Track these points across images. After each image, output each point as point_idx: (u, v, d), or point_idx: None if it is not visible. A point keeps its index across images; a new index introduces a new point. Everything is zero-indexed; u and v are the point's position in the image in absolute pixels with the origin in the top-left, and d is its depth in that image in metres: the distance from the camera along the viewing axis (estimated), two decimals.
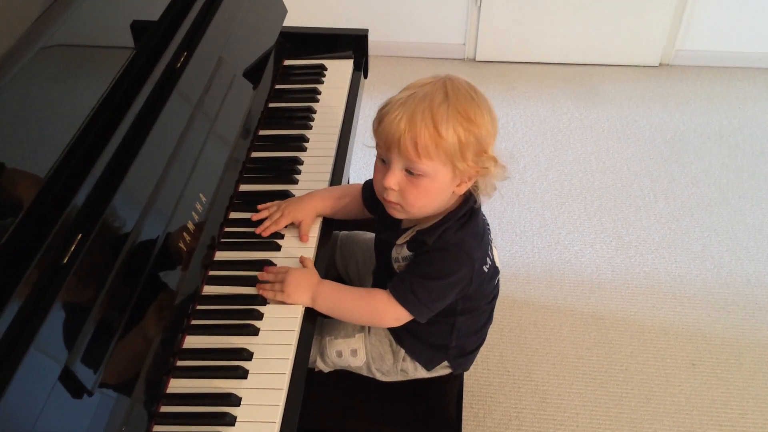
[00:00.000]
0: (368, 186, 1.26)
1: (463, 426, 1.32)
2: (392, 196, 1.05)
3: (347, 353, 1.25)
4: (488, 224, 1.18)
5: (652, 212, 2.32)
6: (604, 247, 2.19)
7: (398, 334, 1.24)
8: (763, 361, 1.86)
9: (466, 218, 1.10)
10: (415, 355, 1.24)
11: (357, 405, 1.28)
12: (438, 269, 1.09)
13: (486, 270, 1.15)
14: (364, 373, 1.28)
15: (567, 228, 2.26)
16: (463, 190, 1.07)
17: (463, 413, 1.33)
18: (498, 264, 1.23)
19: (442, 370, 1.28)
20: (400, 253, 1.15)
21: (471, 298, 1.18)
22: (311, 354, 1.17)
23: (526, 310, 1.99)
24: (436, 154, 0.98)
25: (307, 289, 1.12)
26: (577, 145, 2.62)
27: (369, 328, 1.26)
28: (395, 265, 1.17)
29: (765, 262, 2.14)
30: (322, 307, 1.14)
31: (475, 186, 1.09)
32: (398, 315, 1.12)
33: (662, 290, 2.05)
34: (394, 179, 1.02)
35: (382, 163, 1.05)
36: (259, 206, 1.26)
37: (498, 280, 1.25)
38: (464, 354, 1.28)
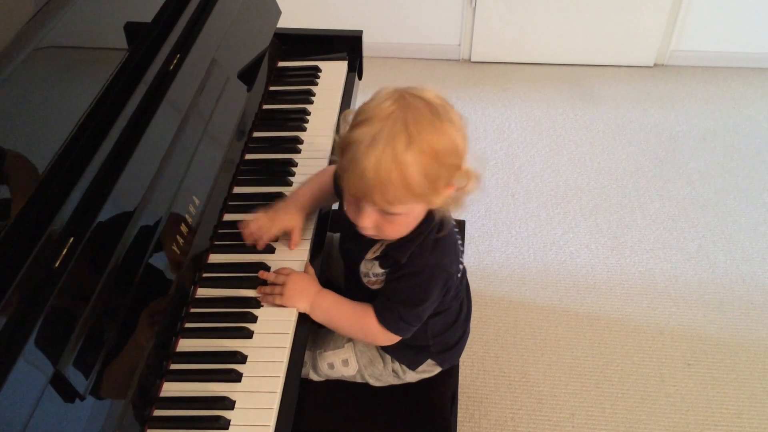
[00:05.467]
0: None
1: (458, 427, 1.32)
2: (369, 232, 1.02)
3: (339, 364, 1.25)
4: (456, 227, 1.14)
5: (647, 212, 2.32)
6: (599, 247, 2.19)
7: None
8: (759, 361, 1.86)
9: (436, 232, 1.07)
10: (398, 357, 1.25)
11: (352, 408, 1.28)
12: (422, 293, 1.09)
13: (459, 276, 1.17)
14: (359, 380, 1.28)
15: (562, 228, 2.26)
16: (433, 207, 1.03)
17: (459, 415, 1.33)
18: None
19: (431, 368, 1.28)
20: (371, 269, 1.14)
21: (441, 302, 1.18)
22: (304, 368, 1.18)
23: (521, 310, 1.99)
24: (407, 199, 0.95)
25: (306, 296, 1.13)
26: (573, 145, 2.62)
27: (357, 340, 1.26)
28: (365, 280, 1.15)
29: (760, 262, 2.14)
30: (317, 318, 1.15)
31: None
32: (390, 338, 1.15)
33: (658, 290, 2.06)
34: (370, 220, 0.99)
35: (354, 201, 1.00)
36: (245, 225, 1.21)
37: (465, 277, 1.26)
38: (448, 348, 1.28)
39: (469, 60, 3.10)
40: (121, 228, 0.95)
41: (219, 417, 0.95)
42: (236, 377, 1.01)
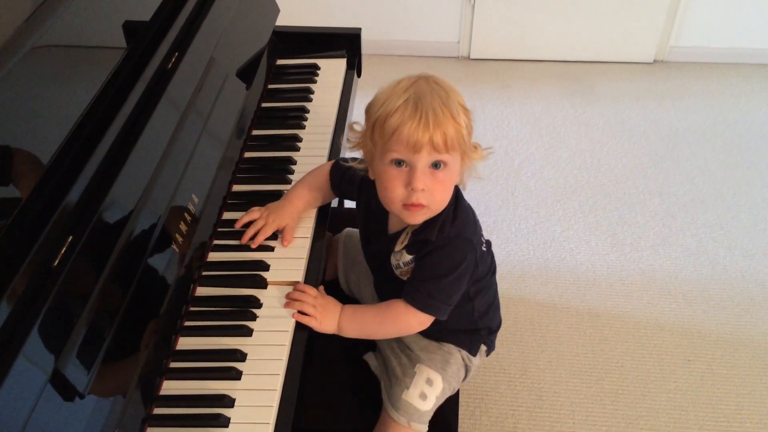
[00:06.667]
0: (336, 172, 1.27)
1: (459, 424, 1.32)
2: (422, 198, 1.04)
3: (427, 388, 1.22)
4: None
5: (647, 209, 2.32)
6: (599, 244, 2.19)
7: (435, 336, 1.26)
8: (758, 356, 1.86)
9: (453, 206, 1.12)
10: (459, 343, 1.27)
11: (353, 405, 1.28)
12: (446, 266, 1.11)
13: (484, 249, 1.20)
14: (449, 393, 1.26)
15: (562, 225, 2.26)
16: (462, 172, 1.10)
17: (459, 411, 1.33)
18: (486, 236, 1.26)
19: (482, 356, 1.33)
20: (401, 259, 1.16)
21: (478, 279, 1.21)
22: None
23: (521, 307, 1.99)
24: (458, 144, 1.02)
25: (333, 317, 1.15)
26: (572, 142, 2.62)
27: (418, 356, 1.25)
28: (397, 272, 1.18)
29: (760, 257, 2.14)
30: (348, 332, 1.17)
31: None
32: (421, 320, 1.15)
33: (657, 287, 2.06)
34: (424, 179, 1.02)
35: (398, 166, 1.03)
36: (239, 223, 1.23)
37: (492, 251, 1.28)
38: (492, 332, 1.33)
39: (468, 57, 3.10)
40: (120, 226, 0.95)
41: (219, 415, 0.95)
42: (236, 375, 1.01)
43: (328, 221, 1.33)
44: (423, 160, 1.01)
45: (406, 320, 1.15)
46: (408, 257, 1.15)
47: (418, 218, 1.09)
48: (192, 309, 1.10)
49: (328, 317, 1.14)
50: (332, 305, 1.16)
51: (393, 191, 1.05)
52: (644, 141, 2.62)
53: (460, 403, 1.33)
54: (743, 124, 2.69)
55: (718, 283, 2.06)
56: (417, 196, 1.03)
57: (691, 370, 1.83)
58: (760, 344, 1.89)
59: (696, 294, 2.03)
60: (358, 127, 1.11)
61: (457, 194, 1.14)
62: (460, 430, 1.64)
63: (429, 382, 1.23)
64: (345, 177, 1.26)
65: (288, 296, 1.13)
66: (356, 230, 1.46)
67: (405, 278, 1.17)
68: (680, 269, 2.11)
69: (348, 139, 1.14)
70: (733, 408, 1.74)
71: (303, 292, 1.13)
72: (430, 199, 1.05)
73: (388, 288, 1.20)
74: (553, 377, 1.82)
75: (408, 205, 1.05)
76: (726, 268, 2.11)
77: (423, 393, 1.22)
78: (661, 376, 1.82)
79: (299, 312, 1.11)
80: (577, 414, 1.73)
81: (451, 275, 1.11)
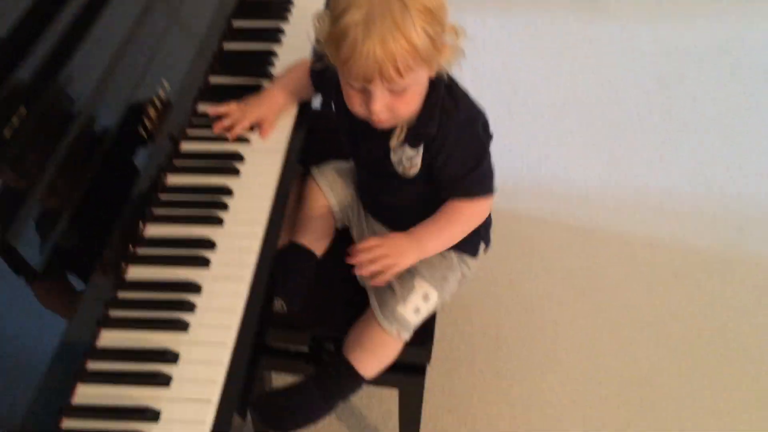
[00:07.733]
0: (315, 70, 1.20)
1: (442, 333, 1.31)
2: (383, 115, 1.01)
3: (422, 304, 1.20)
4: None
5: (646, 127, 2.26)
6: (594, 161, 2.14)
7: None
8: (750, 275, 1.85)
9: (447, 93, 1.07)
10: (461, 246, 1.22)
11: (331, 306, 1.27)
12: (477, 143, 1.11)
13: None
14: (439, 305, 1.25)
15: (557, 141, 2.21)
16: (434, 72, 1.03)
17: (442, 321, 1.32)
18: None
19: (481, 255, 1.31)
20: (403, 154, 1.11)
21: None
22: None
23: (511, 221, 1.96)
24: (415, 63, 0.95)
25: (409, 250, 1.11)
26: (575, 58, 2.52)
27: (417, 269, 1.21)
28: (400, 169, 1.13)
29: (757, 179, 2.09)
30: (430, 251, 1.15)
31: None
32: (488, 203, 1.15)
33: (650, 205, 2.02)
34: (382, 102, 0.99)
35: (360, 90, 0.99)
36: (215, 111, 1.18)
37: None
38: (488, 227, 1.31)
39: None
40: (80, 102, 0.90)
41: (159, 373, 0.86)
42: (189, 307, 0.94)
43: (308, 119, 1.28)
44: (378, 87, 0.96)
45: (474, 213, 1.15)
46: (412, 152, 1.10)
47: (385, 126, 1.05)
48: (160, 200, 1.06)
49: (404, 254, 1.11)
50: (399, 240, 1.12)
51: (354, 107, 1.03)
52: (650, 59, 2.52)
53: (443, 314, 1.32)
54: (753, 45, 2.58)
55: (713, 203, 2.03)
56: (377, 115, 1.00)
57: (679, 285, 1.82)
58: (752, 264, 1.88)
59: (689, 212, 2.00)
60: (324, 23, 1.00)
61: (449, 80, 1.07)
62: (442, 337, 1.65)
63: (425, 298, 1.21)
64: (324, 75, 1.17)
65: (355, 262, 1.09)
66: (323, 166, 1.37)
67: (411, 172, 1.12)
68: (674, 187, 2.07)
69: (316, 40, 1.04)
70: (717, 324, 1.74)
71: (364, 249, 1.09)
72: (393, 114, 1.01)
73: (383, 188, 1.16)
74: (539, 290, 1.81)
75: (371, 119, 1.03)
76: (722, 187, 2.07)
77: (417, 308, 1.20)
78: (647, 290, 1.81)
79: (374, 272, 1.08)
80: (559, 326, 1.74)
81: (486, 152, 1.12)
